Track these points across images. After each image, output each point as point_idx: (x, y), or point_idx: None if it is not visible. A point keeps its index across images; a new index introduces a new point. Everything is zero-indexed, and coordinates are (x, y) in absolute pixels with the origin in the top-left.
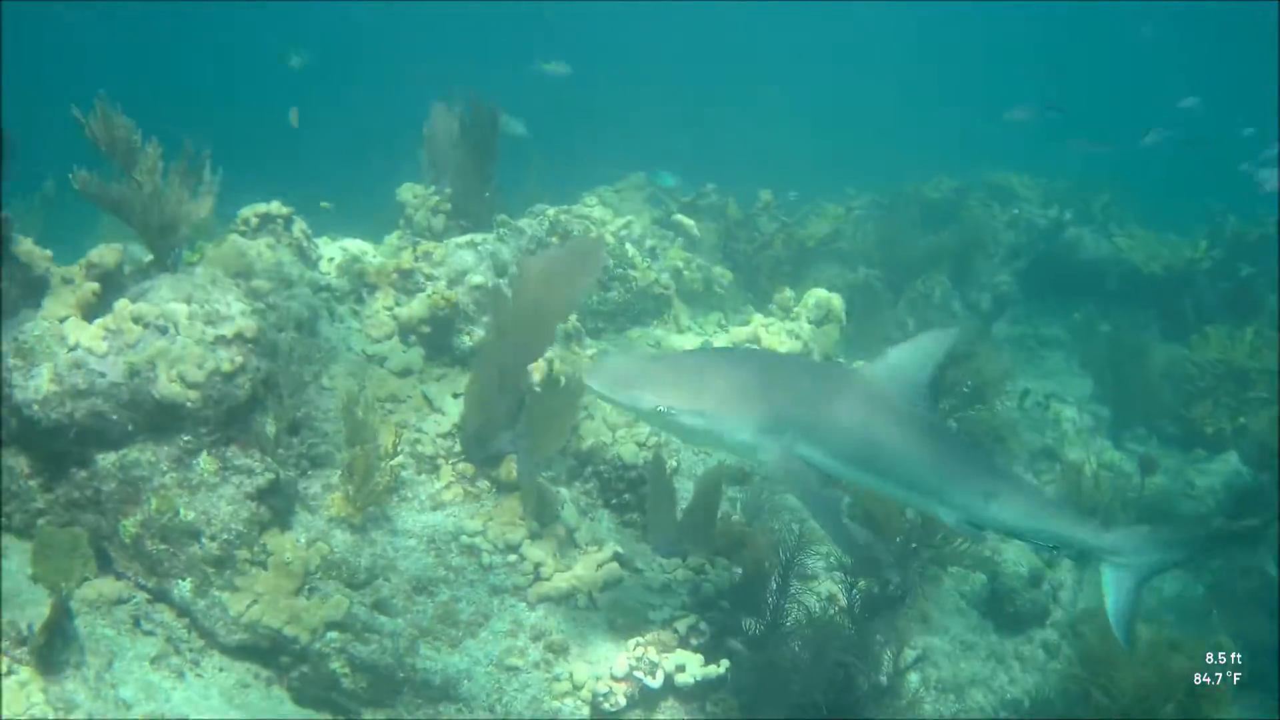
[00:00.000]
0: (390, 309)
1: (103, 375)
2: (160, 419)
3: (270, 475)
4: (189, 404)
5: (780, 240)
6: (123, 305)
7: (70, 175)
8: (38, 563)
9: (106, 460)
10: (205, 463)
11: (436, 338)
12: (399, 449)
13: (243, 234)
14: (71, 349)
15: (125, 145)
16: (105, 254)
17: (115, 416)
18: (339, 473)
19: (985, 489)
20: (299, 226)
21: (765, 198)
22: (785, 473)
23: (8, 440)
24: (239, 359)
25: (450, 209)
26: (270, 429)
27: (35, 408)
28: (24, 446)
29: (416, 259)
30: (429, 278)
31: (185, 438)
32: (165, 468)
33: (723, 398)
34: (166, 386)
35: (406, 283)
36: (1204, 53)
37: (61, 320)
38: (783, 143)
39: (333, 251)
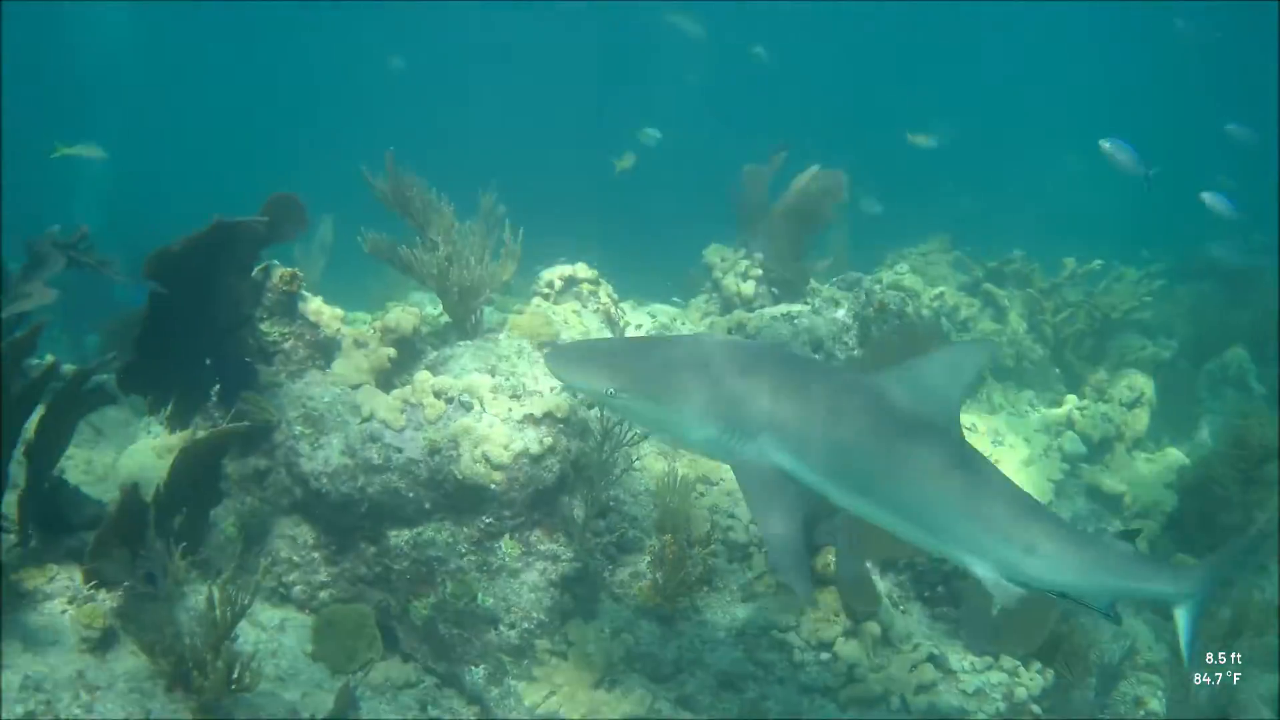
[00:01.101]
0: None
1: (400, 450)
2: (461, 499)
3: (577, 563)
4: (493, 486)
5: (1084, 311)
6: (424, 378)
7: (359, 237)
8: (319, 640)
9: (400, 538)
10: (508, 547)
11: None
12: (712, 537)
13: (546, 297)
14: (365, 420)
15: (418, 205)
16: (402, 318)
17: (412, 494)
18: (647, 559)
19: (1024, 540)
20: (605, 290)
21: (1069, 265)
22: (751, 483)
23: (290, 509)
24: (548, 439)
25: (760, 274)
26: (578, 513)
27: (324, 480)
28: (308, 517)
29: (729, 331)
30: None
31: (487, 520)
32: (464, 550)
33: (683, 385)
34: (470, 467)
35: None
36: None
37: (354, 387)
38: (1075, 202)
39: (639, 318)
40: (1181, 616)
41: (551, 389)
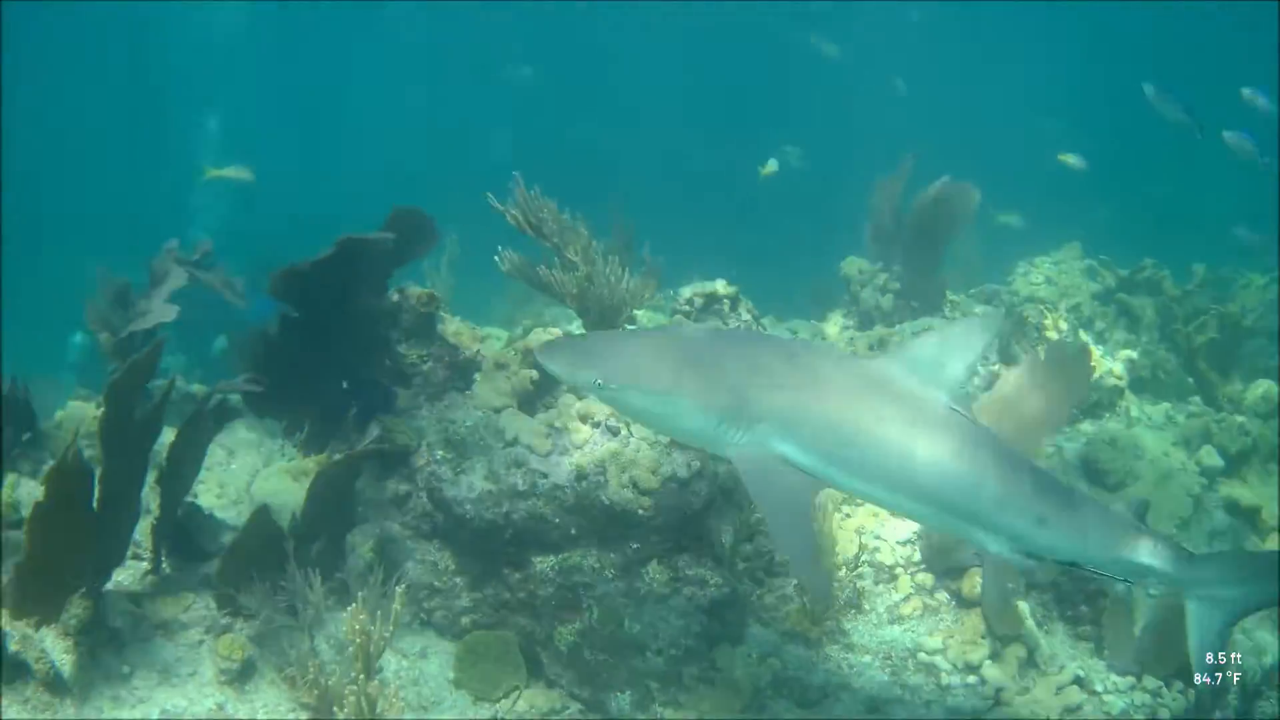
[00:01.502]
0: None
1: (545, 476)
2: (607, 525)
3: (725, 588)
4: (641, 511)
5: (1214, 320)
6: (569, 402)
7: (496, 257)
8: (462, 668)
9: (545, 564)
10: (655, 572)
11: None
12: (860, 559)
13: (687, 314)
14: (509, 444)
15: (552, 227)
16: (543, 340)
17: (558, 520)
18: (794, 583)
19: (1037, 511)
20: (745, 307)
21: (1198, 272)
22: (756, 475)
23: (431, 534)
24: (696, 463)
25: (898, 288)
26: (726, 537)
27: (468, 506)
28: (449, 542)
29: (871, 347)
30: None
31: (634, 545)
32: (610, 575)
33: (676, 374)
34: (617, 492)
35: None
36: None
37: (496, 410)
38: (1198, 205)
39: (780, 334)
40: (1189, 608)
41: None
